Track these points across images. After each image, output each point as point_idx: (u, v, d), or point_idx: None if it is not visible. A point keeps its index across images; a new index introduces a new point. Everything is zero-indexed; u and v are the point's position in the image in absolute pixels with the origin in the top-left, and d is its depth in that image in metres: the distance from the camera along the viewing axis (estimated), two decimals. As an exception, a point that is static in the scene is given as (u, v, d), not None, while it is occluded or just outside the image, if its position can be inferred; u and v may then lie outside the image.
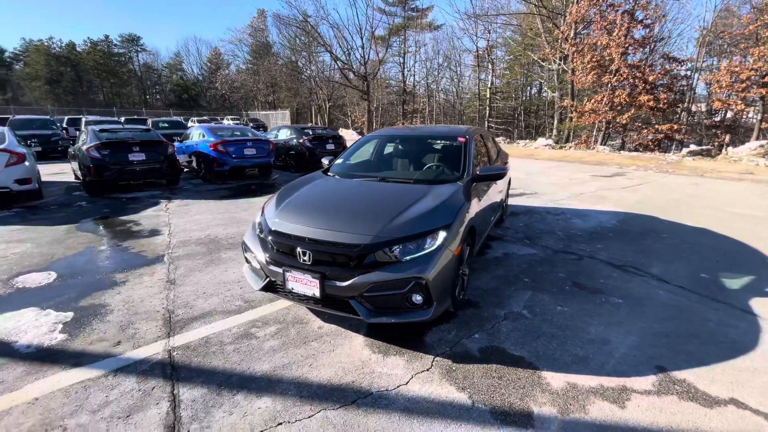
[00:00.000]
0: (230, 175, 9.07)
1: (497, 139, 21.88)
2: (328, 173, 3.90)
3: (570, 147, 17.99)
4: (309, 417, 2.03)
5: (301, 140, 10.35)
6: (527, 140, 22.06)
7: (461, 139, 3.99)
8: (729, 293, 3.48)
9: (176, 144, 10.18)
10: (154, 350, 2.58)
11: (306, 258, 2.61)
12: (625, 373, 2.38)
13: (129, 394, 2.18)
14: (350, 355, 2.54)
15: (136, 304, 3.18)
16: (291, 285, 2.67)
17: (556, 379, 2.33)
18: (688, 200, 7.31)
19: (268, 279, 2.81)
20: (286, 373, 2.36)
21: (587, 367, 2.44)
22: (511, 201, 7.11)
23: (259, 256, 2.83)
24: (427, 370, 2.41)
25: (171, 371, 2.37)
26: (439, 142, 4.21)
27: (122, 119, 18.30)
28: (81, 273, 3.83)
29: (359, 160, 4.27)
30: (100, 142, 7.30)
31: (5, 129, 7.03)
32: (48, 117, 15.22)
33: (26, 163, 6.59)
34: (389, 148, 4.49)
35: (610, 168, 11.82)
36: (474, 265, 4.05)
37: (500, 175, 3.54)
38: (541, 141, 19.49)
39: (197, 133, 9.46)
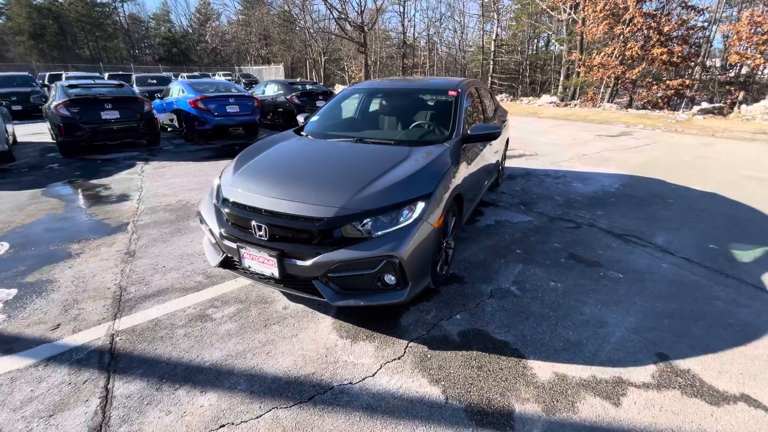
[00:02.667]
0: (213, 134, 8.54)
1: (499, 97, 20.92)
2: (301, 133, 3.47)
3: (575, 105, 17.13)
4: (257, 417, 1.78)
5: (288, 96, 9.67)
6: (531, 97, 21.03)
7: (452, 93, 3.52)
8: (740, 267, 3.17)
9: (156, 102, 9.57)
10: (95, 335, 2.31)
11: (262, 233, 2.27)
12: (622, 362, 2.11)
13: (57, 389, 1.93)
14: (315, 341, 2.27)
15: (86, 280, 2.89)
16: (247, 263, 2.35)
17: (543, 370, 2.06)
18: (698, 162, 6.86)
19: (224, 255, 2.49)
20: (239, 363, 2.10)
21: (579, 354, 2.18)
22: (508, 163, 6.68)
23: (214, 228, 2.49)
24: (399, 358, 2.15)
25: (109, 361, 2.11)
26: (427, 96, 3.73)
27: (106, 75, 17.31)
28: (35, 244, 3.52)
29: (336, 119, 3.81)
30: (69, 99, 6.75)
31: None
32: (27, 74, 14.31)
33: (-11, 123, 6.10)
34: (372, 104, 4.02)
35: (616, 127, 11.20)
36: (462, 234, 3.73)
37: (494, 135, 3.11)
38: (546, 98, 18.56)
39: (177, 89, 8.81)
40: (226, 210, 2.42)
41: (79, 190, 5.18)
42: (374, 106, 4.00)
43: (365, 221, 2.16)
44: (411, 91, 3.86)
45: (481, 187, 3.84)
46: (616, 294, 2.78)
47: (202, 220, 2.66)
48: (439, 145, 2.88)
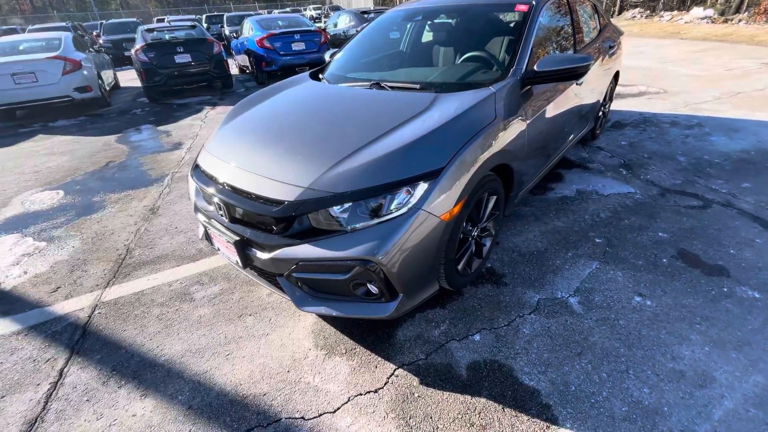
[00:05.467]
0: (283, 75, 8.27)
1: (630, 14, 16.33)
2: (320, 75, 2.82)
3: (740, 20, 12.72)
4: (177, 449, 1.46)
5: (359, 29, 8.77)
6: (676, 12, 16.27)
7: (521, 8, 2.45)
8: None
9: (233, 42, 9.56)
10: (81, 304, 2.22)
11: (222, 212, 1.82)
12: (729, 469, 1.27)
13: (21, 365, 1.86)
14: (284, 347, 1.85)
15: (103, 239, 2.88)
16: (216, 244, 1.97)
17: (581, 455, 1.35)
18: None
19: (205, 228, 2.14)
20: (193, 363, 1.80)
21: (652, 435, 1.38)
22: (619, 104, 5.12)
23: (191, 196, 2.13)
24: (376, 391, 1.61)
25: (79, 338, 1.99)
26: (484, 15, 2.69)
27: (203, 17, 18.09)
28: (84, 193, 3.68)
29: (364, 54, 3.00)
30: (146, 44, 6.98)
31: (63, 34, 7.06)
32: (137, 20, 15.67)
33: (84, 71, 6.65)
34: (409, 31, 3.10)
35: (804, 49, 7.95)
36: (523, 209, 2.84)
37: (576, 72, 2.07)
38: (697, 12, 14.14)
39: (247, 27, 8.58)
40: (194, 178, 2.01)
41: (144, 138, 5.38)
42: (412, 33, 3.09)
43: (340, 208, 1.54)
44: (462, 10, 2.82)
45: (557, 146, 2.81)
46: (744, 328, 1.77)
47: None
48: (482, 90, 1.99)
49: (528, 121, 2.13)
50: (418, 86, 2.20)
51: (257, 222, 1.70)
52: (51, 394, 1.70)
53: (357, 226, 1.53)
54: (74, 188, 3.80)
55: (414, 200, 1.55)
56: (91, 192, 3.69)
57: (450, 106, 1.87)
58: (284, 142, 1.88)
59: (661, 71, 6.97)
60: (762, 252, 2.27)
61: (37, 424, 1.58)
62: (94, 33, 13.94)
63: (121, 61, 12.71)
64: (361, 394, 1.60)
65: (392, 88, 2.25)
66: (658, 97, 5.37)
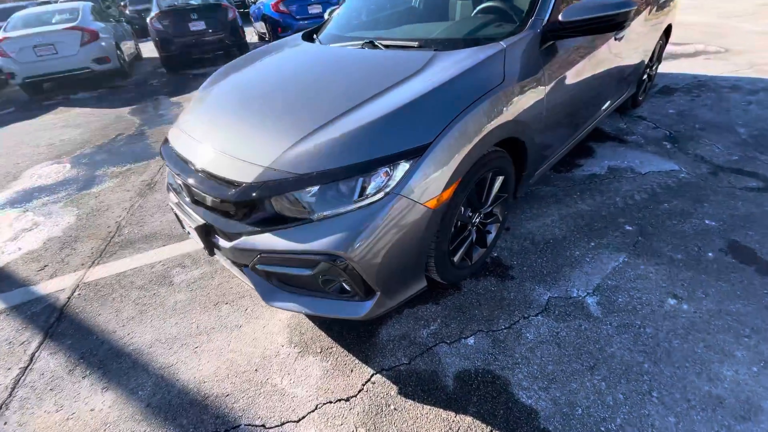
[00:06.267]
0: (302, 42, 7.90)
1: None
2: (315, 36, 2.51)
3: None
4: (126, 453, 1.35)
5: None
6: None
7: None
8: None
9: (252, 7, 9.23)
10: (63, 284, 2.15)
11: (185, 194, 1.64)
12: None
13: (-5, 348, 1.82)
14: (256, 341, 1.69)
15: (98, 215, 2.80)
16: (186, 228, 1.80)
17: (581, 498, 1.11)
18: None
19: (174, 210, 1.97)
20: (160, 355, 1.67)
21: (675, 481, 1.11)
22: (670, 65, 4.47)
23: (166, 173, 1.96)
24: (348, 399, 1.42)
25: (54, 321, 1.92)
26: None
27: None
28: (90, 166, 3.63)
29: (366, 11, 2.64)
30: (160, 11, 6.81)
31: (82, 4, 7.00)
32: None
33: (102, 42, 6.60)
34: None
35: None
36: (542, 189, 2.49)
37: (610, 22, 1.67)
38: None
39: (264, -9, 8.21)
40: (162, 154, 1.82)
41: (157, 109, 5.30)
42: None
43: (305, 192, 1.30)
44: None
45: (587, 117, 2.40)
46: (812, 348, 1.42)
47: None
48: (489, 46, 1.64)
49: (549, 86, 1.77)
50: (416, 44, 1.86)
51: (218, 206, 1.50)
52: (19, 380, 1.64)
53: (325, 213, 1.29)
54: (81, 162, 3.77)
55: (393, 184, 1.28)
56: (96, 165, 3.64)
57: (446, 66, 1.55)
58: (252, 113, 1.63)
59: (722, 27, 6.04)
60: (839, 247, 1.85)
61: (1, 410, 1.52)
62: (122, 3, 13.94)
63: (146, 31, 12.70)
64: (330, 402, 1.42)
65: (387, 47, 1.93)
66: (717, 58, 4.63)
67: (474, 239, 1.80)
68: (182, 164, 1.61)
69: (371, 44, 1.98)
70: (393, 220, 1.28)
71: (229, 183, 1.39)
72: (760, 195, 2.26)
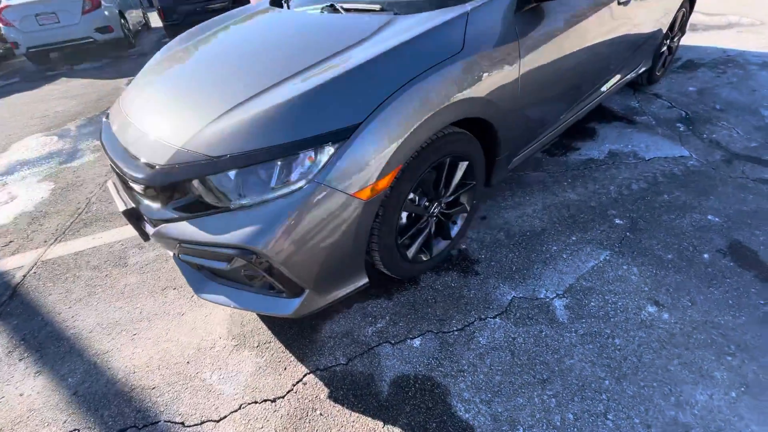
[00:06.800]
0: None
1: None
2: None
3: None
4: (41, 444, 1.30)
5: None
6: None
7: None
8: None
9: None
10: (22, 261, 2.12)
11: (114, 175, 1.53)
12: None
13: (-55, 324, 1.80)
14: (194, 331, 1.60)
15: (73, 189, 2.76)
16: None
17: None
18: None
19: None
20: (98, 340, 1.61)
21: None
22: (697, 38, 4.02)
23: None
24: (274, 400, 1.33)
25: (6, 300, 1.88)
26: None
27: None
28: (76, 140, 3.58)
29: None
30: (162, -22, 6.59)
31: (85, -30, 6.84)
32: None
33: (104, 11, 6.49)
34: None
35: None
36: (530, 174, 2.27)
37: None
38: None
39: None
40: (102, 131, 1.71)
41: (156, 80, 5.20)
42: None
43: (220, 177, 1.16)
44: None
45: (584, 95, 2.13)
46: (807, 372, 1.22)
47: None
48: (451, 9, 1.41)
49: (526, 57, 1.53)
50: (378, 7, 1.64)
51: (141, 190, 1.38)
52: (-42, 361, 1.62)
53: (242, 202, 1.15)
54: (69, 134, 3.73)
55: (316, 170, 1.12)
56: (82, 139, 3.59)
57: (397, 32, 1.34)
58: (185, 87, 1.48)
59: (770, -5, 5.38)
60: None
61: (-66, 391, 1.50)
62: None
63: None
64: (256, 402, 1.32)
65: (349, 10, 1.72)
66: (751, 31, 4.12)
67: (433, 231, 1.63)
68: (112, 142, 1.49)
69: (332, 8, 1.77)
70: (316, 213, 1.13)
71: (143, 167, 1.26)
72: (777, 188, 1.98)
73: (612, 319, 1.45)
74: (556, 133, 2.12)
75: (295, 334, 1.53)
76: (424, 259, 1.63)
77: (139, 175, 1.25)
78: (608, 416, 1.17)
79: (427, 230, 1.60)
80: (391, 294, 1.64)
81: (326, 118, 1.13)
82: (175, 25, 6.97)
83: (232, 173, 1.15)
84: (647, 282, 1.57)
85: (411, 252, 1.55)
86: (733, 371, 1.25)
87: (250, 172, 1.13)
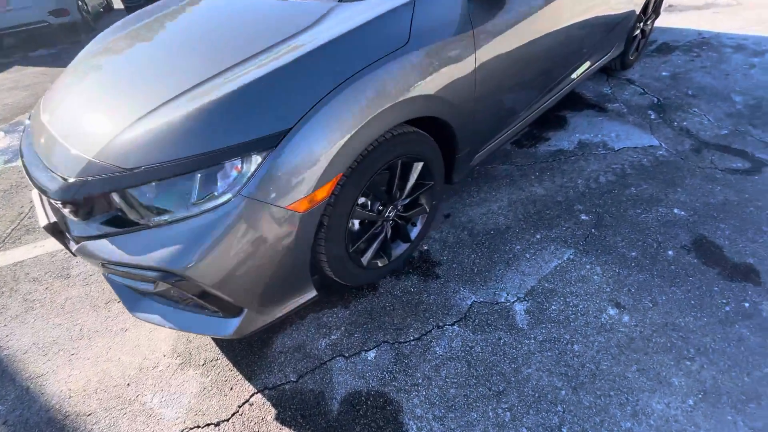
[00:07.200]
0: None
1: None
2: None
3: None
4: (-39, 483, 1.20)
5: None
6: None
7: None
8: None
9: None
10: (-44, 274, 1.97)
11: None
12: None
13: None
14: (137, 348, 1.50)
15: (17, 191, 2.57)
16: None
17: None
18: None
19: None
20: (34, 361, 1.50)
21: None
22: (674, 19, 3.95)
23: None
24: (217, 424, 1.25)
25: (-66, 318, 1.75)
26: None
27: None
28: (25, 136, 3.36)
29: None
30: (119, -44, 6.16)
31: (34, -53, 6.35)
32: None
33: (58, -9, 6.05)
34: None
35: None
36: (497, 167, 2.19)
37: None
38: None
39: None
40: (24, 133, 1.55)
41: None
42: None
43: (137, 191, 1.04)
44: None
45: (550, 84, 2.04)
46: (757, 372, 1.20)
47: None
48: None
49: (483, 48, 1.43)
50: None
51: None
52: None
53: (162, 219, 1.04)
54: (17, 129, 3.49)
55: (243, 182, 1.02)
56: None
57: (339, 22, 1.22)
58: (105, 85, 1.34)
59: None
60: (822, 246, 1.57)
61: None
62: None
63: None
64: (198, 427, 1.24)
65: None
66: (728, 12, 4.07)
67: (390, 235, 1.55)
68: (29, 148, 1.35)
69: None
70: (247, 228, 1.03)
71: (56, 179, 1.13)
72: (743, 179, 1.95)
73: (572, 324, 1.40)
74: (524, 124, 2.04)
75: (245, 350, 1.45)
76: (380, 265, 1.55)
77: (51, 189, 1.12)
78: (562, 429, 1.13)
79: (383, 235, 1.51)
80: (348, 302, 1.57)
81: (252, 124, 1.02)
82: (135, 7, 6.58)
83: (149, 187, 1.03)
84: (609, 282, 1.53)
85: (366, 259, 1.46)
86: (691, 377, 1.22)
87: (169, 186, 1.02)
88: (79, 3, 6.53)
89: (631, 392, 1.20)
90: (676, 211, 1.82)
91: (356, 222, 1.43)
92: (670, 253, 1.62)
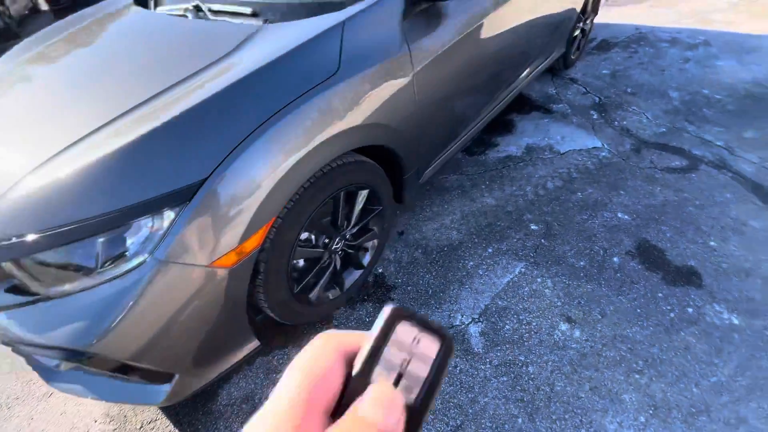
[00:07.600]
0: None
1: None
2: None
3: None
4: None
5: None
6: None
7: None
8: None
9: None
10: None
11: None
12: None
13: None
14: (64, 415, 1.34)
15: None
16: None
17: None
18: None
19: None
20: (-64, 445, 1.32)
21: None
22: (614, 14, 4.07)
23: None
24: (158, 498, 1.14)
25: None
26: None
27: None
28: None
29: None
30: (36, -45, 5.61)
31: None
32: None
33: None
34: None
35: None
36: (449, 178, 2.16)
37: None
38: None
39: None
40: None
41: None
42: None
43: (31, 258, 0.90)
44: None
45: (496, 92, 2.03)
46: (705, 381, 1.24)
47: None
48: (326, 16, 1.20)
49: (420, 67, 1.37)
50: (249, 10, 1.38)
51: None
52: None
53: (62, 290, 0.91)
54: None
55: (155, 242, 0.90)
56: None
57: (263, 49, 1.12)
58: (5, 123, 1.17)
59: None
60: (754, 242, 1.66)
61: None
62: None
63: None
64: (135, 504, 1.13)
65: (217, 12, 1.44)
66: (664, 5, 4.26)
67: (340, 266, 1.48)
68: None
69: (197, 9, 1.48)
70: (165, 292, 0.92)
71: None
72: (681, 177, 2.03)
73: (526, 343, 1.39)
74: (474, 132, 2.02)
75: (187, 407, 1.33)
76: (332, 297, 1.47)
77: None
78: (520, 462, 1.12)
79: (332, 267, 1.44)
80: (301, 340, 1.48)
81: (162, 176, 0.91)
82: (62, 10, 6.03)
83: (46, 255, 0.90)
84: (560, 296, 1.54)
85: (314, 295, 1.38)
86: (641, 391, 1.24)
87: (68, 252, 0.89)
88: (1, 7, 5.90)
89: (585, 413, 1.20)
90: (620, 215, 1.86)
91: (301, 260, 1.34)
92: (615, 260, 1.65)
